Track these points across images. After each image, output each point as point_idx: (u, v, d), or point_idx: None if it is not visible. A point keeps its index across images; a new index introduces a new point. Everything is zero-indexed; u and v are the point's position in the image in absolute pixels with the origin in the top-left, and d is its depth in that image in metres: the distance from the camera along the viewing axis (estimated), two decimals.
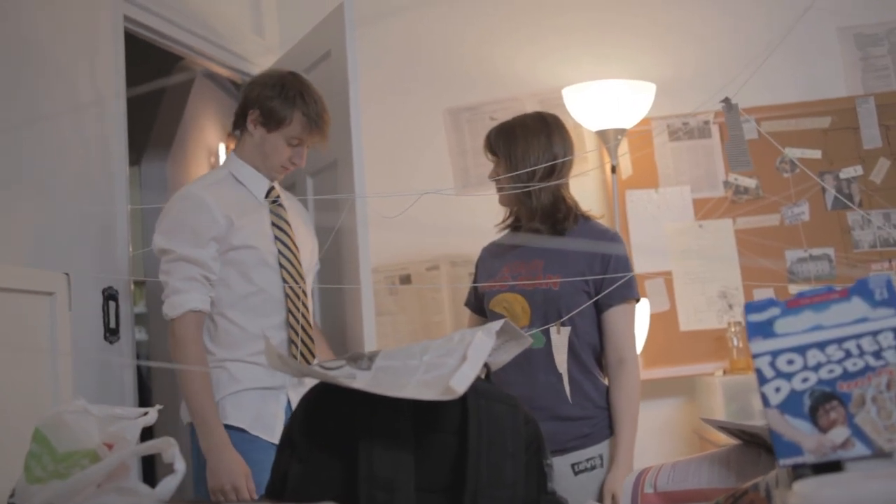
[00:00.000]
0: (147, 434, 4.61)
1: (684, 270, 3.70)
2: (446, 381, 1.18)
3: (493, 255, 2.95)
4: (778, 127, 3.76)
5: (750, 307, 1.14)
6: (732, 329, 3.57)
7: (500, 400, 1.28)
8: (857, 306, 1.11)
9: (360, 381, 1.23)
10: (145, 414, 1.46)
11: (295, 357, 2.64)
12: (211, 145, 5.31)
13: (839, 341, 1.11)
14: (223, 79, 4.21)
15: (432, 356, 1.26)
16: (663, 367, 3.61)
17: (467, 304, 3.05)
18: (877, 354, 1.09)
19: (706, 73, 3.86)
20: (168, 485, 1.20)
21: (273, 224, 2.71)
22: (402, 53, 4.13)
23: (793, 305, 1.14)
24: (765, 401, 1.12)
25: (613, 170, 3.64)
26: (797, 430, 1.10)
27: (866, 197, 3.68)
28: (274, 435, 2.58)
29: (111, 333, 2.78)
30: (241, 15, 4.03)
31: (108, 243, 2.88)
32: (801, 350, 1.12)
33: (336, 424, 1.28)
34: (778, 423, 1.11)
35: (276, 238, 2.70)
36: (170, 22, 3.42)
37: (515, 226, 2.86)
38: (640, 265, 3.74)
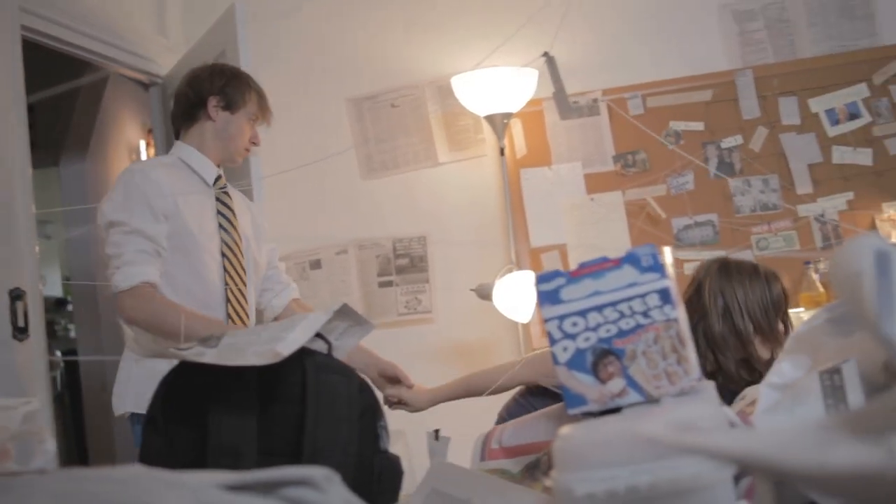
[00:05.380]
0: (80, 426, 4.64)
1: (578, 242, 3.88)
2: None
3: None
4: (663, 101, 3.94)
5: (539, 279, 1.29)
6: None
7: (336, 371, 1.43)
8: (628, 273, 1.26)
9: (208, 356, 1.38)
10: (28, 403, 1.59)
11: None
12: (131, 142, 5.39)
13: (614, 304, 1.25)
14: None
15: (271, 332, 1.41)
16: None
17: None
18: (645, 314, 1.24)
19: (596, 53, 4.03)
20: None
21: (218, 212, 2.79)
22: (302, 48, 4.24)
23: (575, 275, 1.28)
24: (555, 359, 1.27)
25: (502, 152, 3.80)
26: (582, 383, 1.25)
27: (746, 164, 3.89)
28: None
29: (19, 332, 2.88)
30: (146, 17, 4.11)
31: (11, 246, 2.96)
32: (583, 313, 1.26)
33: (190, 400, 1.42)
34: (566, 377, 1.26)
35: (220, 226, 2.77)
36: (71, 29, 3.50)
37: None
38: (536, 239, 3.93)
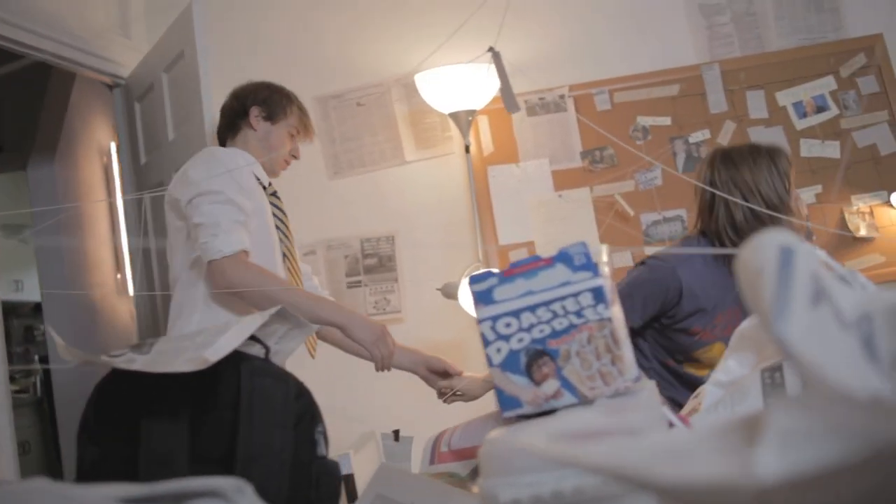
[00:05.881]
0: (52, 424, 4.60)
1: (546, 240, 3.86)
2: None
3: (707, 283, 2.59)
4: (630, 97, 3.93)
5: (472, 279, 1.27)
6: None
7: (271, 375, 1.40)
8: (561, 271, 1.23)
9: (138, 363, 1.35)
10: None
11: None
12: (101, 144, 5.34)
13: (547, 304, 1.23)
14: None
15: (205, 337, 1.38)
16: None
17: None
18: (578, 313, 1.21)
19: (562, 49, 4.01)
20: None
21: (274, 215, 2.80)
22: (266, 48, 4.20)
23: (508, 274, 1.26)
24: (489, 361, 1.25)
25: (467, 149, 3.78)
26: (516, 384, 1.23)
27: None
28: None
29: None
30: (108, 18, 4.07)
31: None
32: (517, 314, 1.24)
33: (124, 408, 1.39)
34: (500, 380, 1.24)
35: (278, 228, 2.79)
36: (32, 32, 3.45)
37: None
38: (504, 237, 3.91)
